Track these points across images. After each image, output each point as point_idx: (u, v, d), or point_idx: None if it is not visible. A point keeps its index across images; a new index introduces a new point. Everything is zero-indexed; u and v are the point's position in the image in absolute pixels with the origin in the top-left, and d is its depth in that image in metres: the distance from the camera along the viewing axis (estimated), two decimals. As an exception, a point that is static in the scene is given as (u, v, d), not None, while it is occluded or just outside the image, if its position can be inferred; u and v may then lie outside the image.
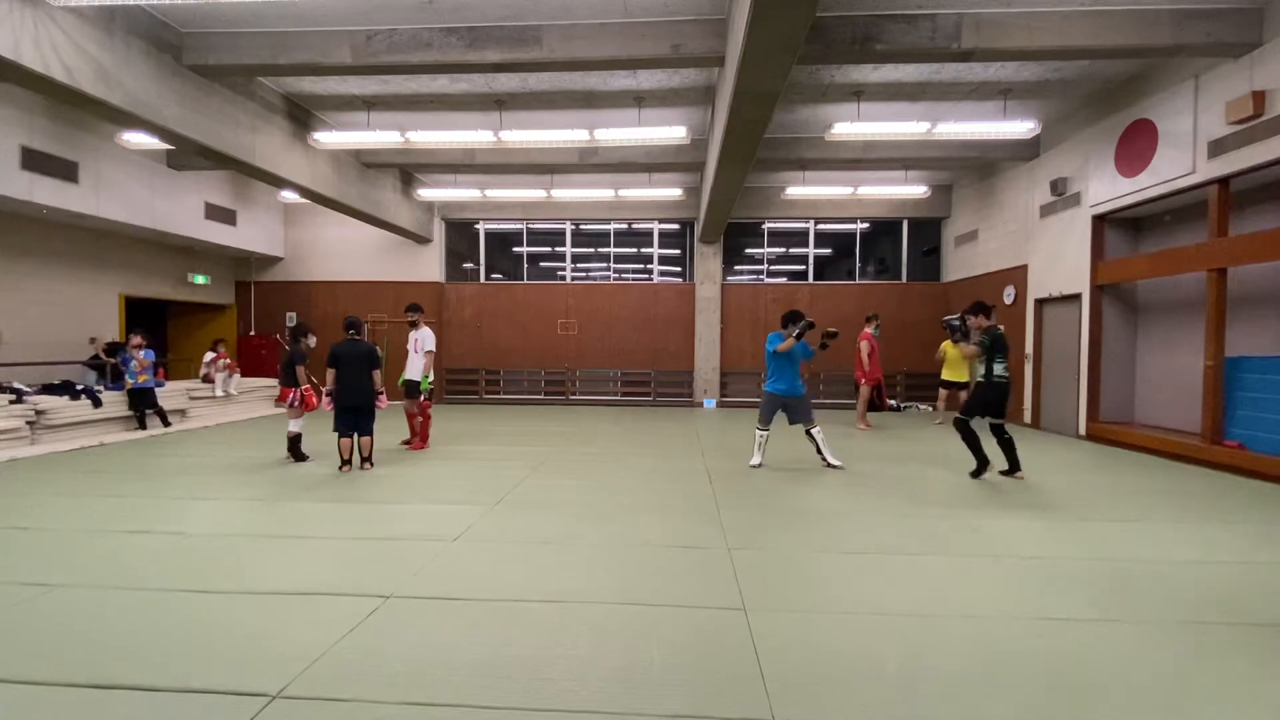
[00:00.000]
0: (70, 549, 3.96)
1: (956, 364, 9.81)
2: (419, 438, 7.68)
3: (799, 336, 6.34)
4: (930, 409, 12.46)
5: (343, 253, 13.73)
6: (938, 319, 12.66)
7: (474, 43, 6.68)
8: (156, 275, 11.77)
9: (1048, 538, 4.30)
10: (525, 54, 6.65)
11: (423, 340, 7.60)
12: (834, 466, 6.45)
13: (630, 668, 2.54)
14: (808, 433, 6.56)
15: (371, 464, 6.47)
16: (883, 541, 4.21)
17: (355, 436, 6.42)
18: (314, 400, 6.76)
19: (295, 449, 6.82)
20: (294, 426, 6.83)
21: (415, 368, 7.59)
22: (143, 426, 9.06)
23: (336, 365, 6.32)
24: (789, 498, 5.39)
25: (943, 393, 10.28)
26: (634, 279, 13.95)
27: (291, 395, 6.73)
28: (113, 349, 9.86)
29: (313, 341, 7.07)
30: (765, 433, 6.67)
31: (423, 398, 7.60)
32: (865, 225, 13.51)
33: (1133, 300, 8.81)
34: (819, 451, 6.55)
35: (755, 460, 6.62)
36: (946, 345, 9.70)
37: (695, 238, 13.36)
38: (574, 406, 13.25)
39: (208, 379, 10.82)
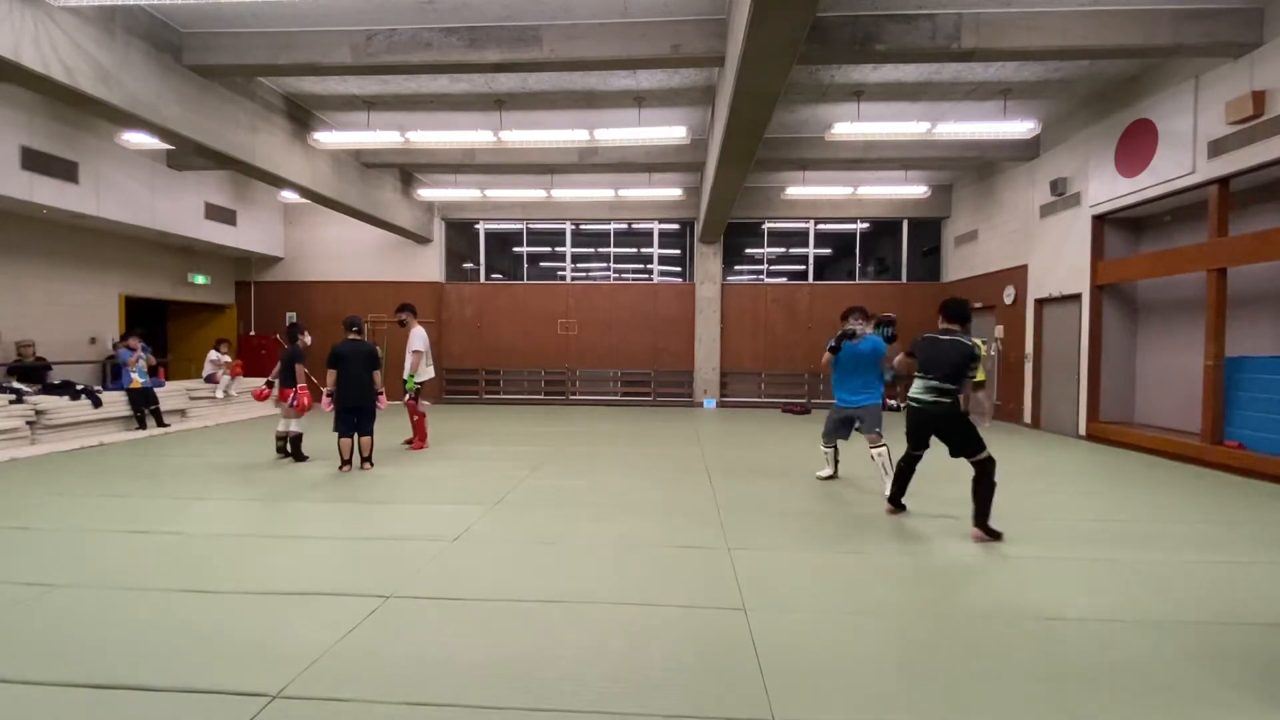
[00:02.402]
0: (70, 549, 3.96)
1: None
2: (418, 437, 7.71)
3: (834, 349, 5.40)
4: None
5: (343, 253, 13.72)
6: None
7: (474, 43, 6.68)
8: (156, 275, 11.76)
9: (1047, 538, 4.30)
10: (525, 54, 6.64)
11: (410, 340, 7.64)
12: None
13: (630, 668, 2.54)
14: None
15: (371, 464, 6.47)
16: (883, 542, 4.20)
17: (355, 436, 6.42)
18: (306, 401, 6.77)
19: (297, 449, 6.83)
20: (295, 426, 6.84)
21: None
22: (142, 426, 9.06)
23: (338, 365, 6.31)
24: (790, 498, 5.39)
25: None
26: (634, 279, 13.94)
27: (290, 395, 6.74)
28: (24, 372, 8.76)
29: (308, 339, 7.10)
30: (828, 450, 6.04)
31: (408, 397, 7.64)
32: (865, 225, 13.51)
33: (1133, 300, 8.81)
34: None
35: (825, 471, 6.04)
36: None
37: (695, 238, 13.36)
38: (574, 406, 13.25)
39: (212, 379, 10.79)
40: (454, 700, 2.30)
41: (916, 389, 4.37)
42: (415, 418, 7.69)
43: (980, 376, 3.93)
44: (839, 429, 5.85)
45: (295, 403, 6.71)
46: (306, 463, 6.74)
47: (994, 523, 4.64)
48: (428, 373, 7.73)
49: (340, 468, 6.34)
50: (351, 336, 6.52)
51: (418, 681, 2.42)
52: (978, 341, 4.28)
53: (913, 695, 2.37)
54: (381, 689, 2.37)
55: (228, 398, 10.87)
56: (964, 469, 4.38)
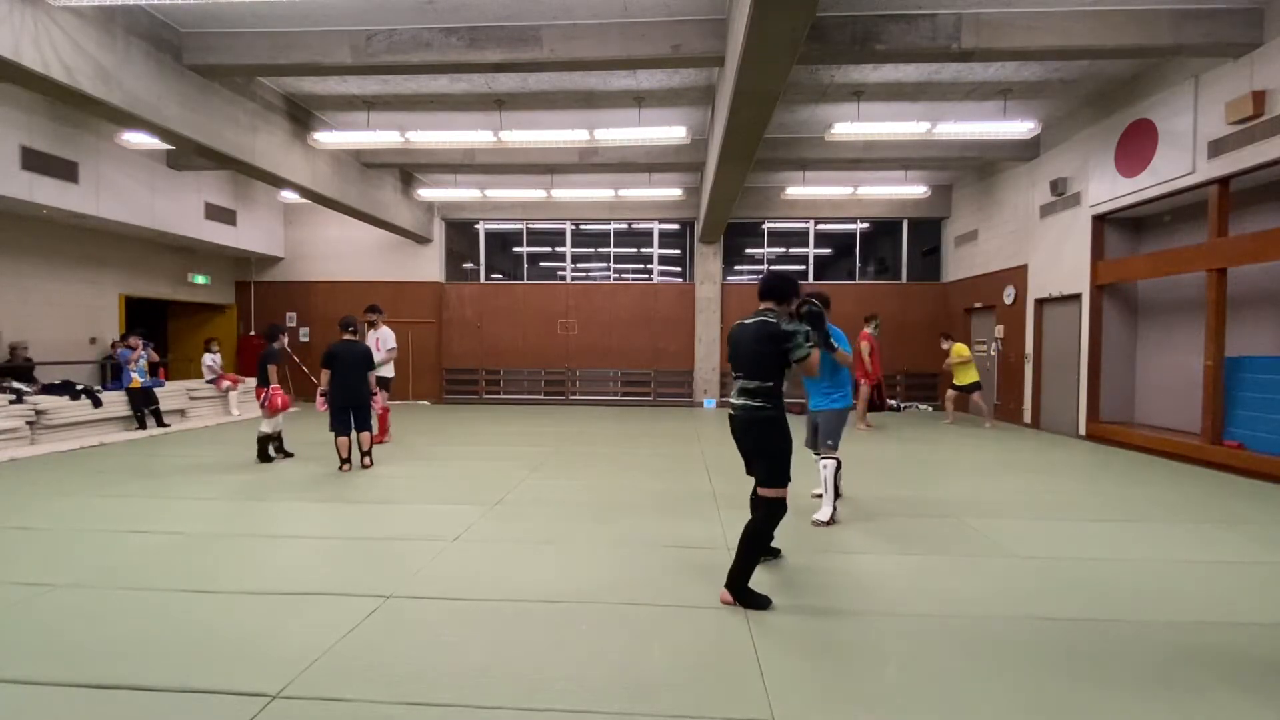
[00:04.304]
0: (70, 549, 3.96)
1: (962, 366, 10.05)
2: (381, 430, 7.99)
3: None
4: (930, 409, 12.46)
5: (343, 253, 13.72)
6: (938, 319, 12.77)
7: (474, 43, 6.68)
8: (156, 275, 11.76)
9: (1047, 537, 4.30)
10: (525, 54, 6.64)
11: (383, 339, 7.90)
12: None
13: (630, 668, 2.54)
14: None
15: (372, 460, 6.54)
16: (881, 541, 4.21)
17: (355, 434, 6.47)
18: (278, 401, 6.79)
19: (263, 449, 6.82)
20: (267, 426, 6.81)
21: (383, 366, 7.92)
22: (142, 426, 9.05)
23: (332, 365, 6.36)
24: (789, 497, 5.37)
25: (951, 394, 10.47)
26: (634, 279, 13.94)
27: (262, 395, 6.75)
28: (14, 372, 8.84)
29: (285, 342, 7.19)
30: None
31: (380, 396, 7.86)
32: (865, 225, 13.50)
33: (1133, 300, 8.80)
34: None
35: (826, 514, 4.60)
36: (951, 356, 10.13)
37: (695, 238, 13.35)
38: (574, 406, 13.25)
39: (215, 383, 10.71)
40: (454, 700, 2.30)
41: (732, 394, 3.43)
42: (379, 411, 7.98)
43: (801, 355, 3.13)
44: (812, 436, 4.97)
45: (267, 403, 6.72)
46: (273, 463, 6.75)
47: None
48: (387, 370, 8.09)
49: (340, 467, 6.35)
50: (346, 337, 6.58)
51: (418, 681, 2.42)
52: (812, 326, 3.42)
53: (912, 694, 2.37)
54: (381, 689, 2.37)
55: (229, 392, 10.81)
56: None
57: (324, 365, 6.38)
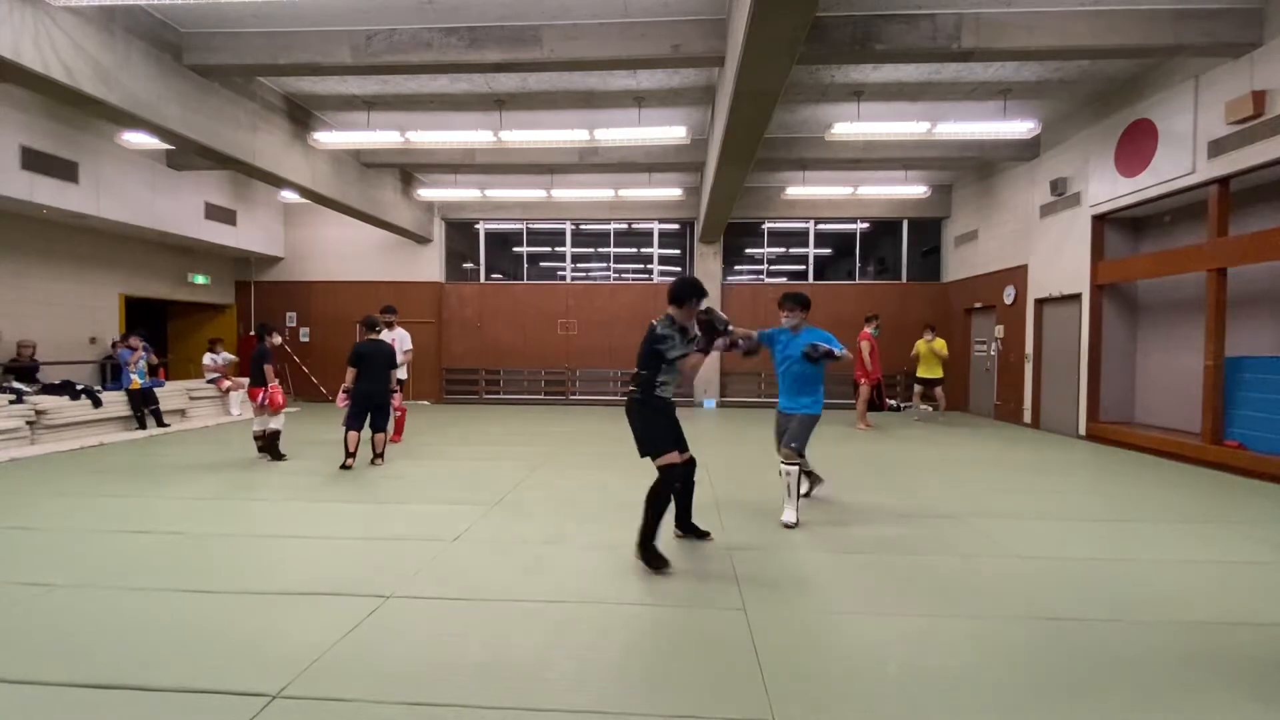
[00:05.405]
0: (70, 549, 3.96)
1: (928, 360, 10.42)
2: (396, 431, 7.98)
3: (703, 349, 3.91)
4: (930, 409, 12.45)
5: (343, 253, 13.72)
6: (938, 319, 12.75)
7: (474, 43, 6.68)
8: (156, 275, 11.76)
9: (1048, 537, 4.30)
10: (525, 54, 6.64)
11: (400, 340, 7.91)
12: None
13: (630, 668, 2.54)
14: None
15: (383, 459, 6.64)
16: (882, 541, 4.20)
17: (370, 433, 6.57)
18: (279, 398, 6.82)
19: (273, 447, 6.84)
20: (274, 424, 6.83)
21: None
22: (142, 426, 9.05)
23: (359, 364, 6.47)
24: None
25: (917, 389, 10.84)
26: (634, 279, 13.94)
27: (261, 395, 6.76)
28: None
29: (277, 339, 7.20)
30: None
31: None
32: (865, 225, 13.51)
33: (1133, 300, 8.80)
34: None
35: (791, 517, 4.54)
36: (920, 344, 10.47)
37: (695, 238, 13.35)
38: (574, 406, 13.25)
39: (216, 383, 10.68)
40: (454, 700, 2.29)
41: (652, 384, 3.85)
42: (399, 412, 7.99)
43: (674, 355, 3.68)
44: (782, 440, 4.88)
45: (267, 400, 6.73)
46: (285, 459, 6.79)
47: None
48: (400, 371, 8.10)
49: (344, 462, 6.36)
50: (372, 337, 6.71)
51: (418, 681, 2.42)
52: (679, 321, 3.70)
53: (912, 695, 2.37)
54: (381, 689, 2.37)
55: (227, 389, 10.77)
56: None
57: (351, 364, 6.48)
